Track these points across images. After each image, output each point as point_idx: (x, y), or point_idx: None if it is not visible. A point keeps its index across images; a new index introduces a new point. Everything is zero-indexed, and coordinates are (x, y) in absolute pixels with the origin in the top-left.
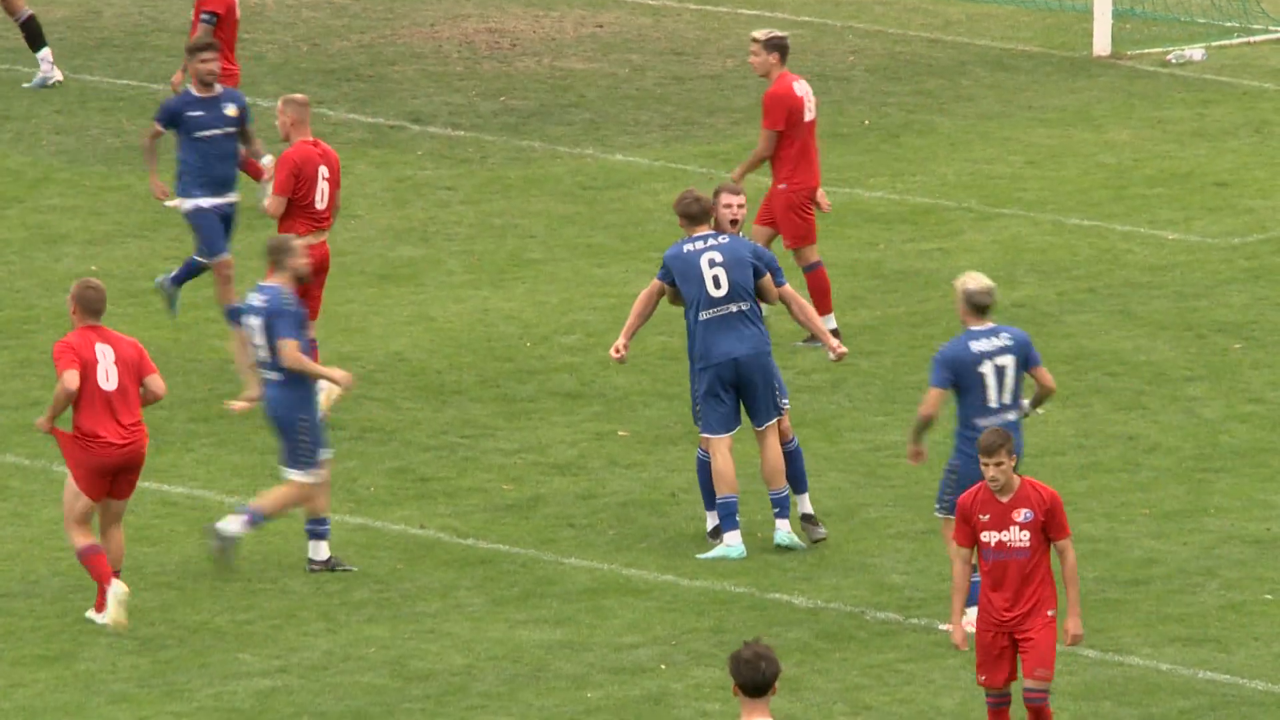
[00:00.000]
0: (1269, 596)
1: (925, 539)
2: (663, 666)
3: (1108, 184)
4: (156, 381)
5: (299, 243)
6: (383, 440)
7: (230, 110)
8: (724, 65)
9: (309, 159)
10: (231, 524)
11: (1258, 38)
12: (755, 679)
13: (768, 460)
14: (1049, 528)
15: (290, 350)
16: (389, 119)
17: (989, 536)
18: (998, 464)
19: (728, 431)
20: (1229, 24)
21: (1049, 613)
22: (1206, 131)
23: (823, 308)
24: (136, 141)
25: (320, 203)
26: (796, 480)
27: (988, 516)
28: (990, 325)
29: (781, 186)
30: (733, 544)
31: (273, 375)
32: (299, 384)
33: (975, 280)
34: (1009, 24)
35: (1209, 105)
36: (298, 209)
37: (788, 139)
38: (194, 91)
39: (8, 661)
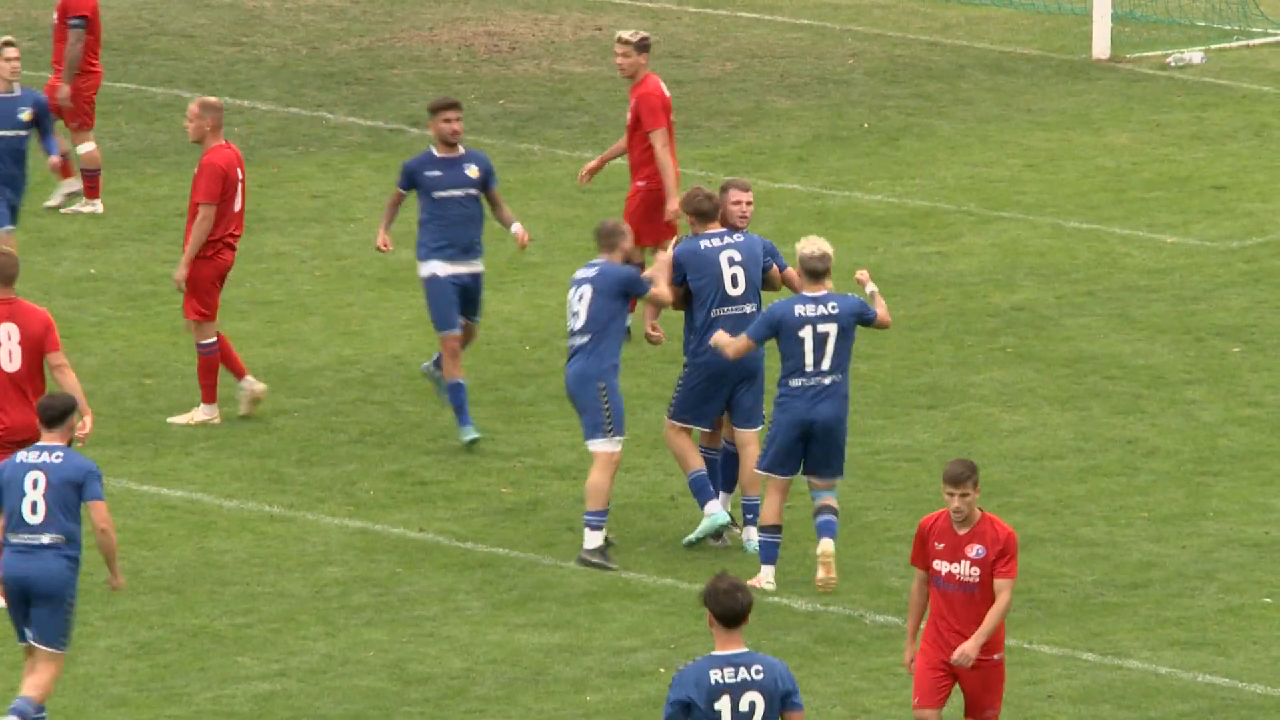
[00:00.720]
0: (1268, 600)
1: None
2: (662, 670)
3: (1107, 187)
4: (56, 359)
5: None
6: (382, 443)
7: (471, 171)
8: (723, 68)
9: (231, 163)
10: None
11: (1257, 41)
12: (733, 608)
13: (747, 468)
14: (996, 565)
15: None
16: (388, 122)
17: (940, 565)
18: (963, 495)
19: (698, 424)
20: (1228, 27)
21: (995, 655)
22: (1205, 135)
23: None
24: (134, 145)
25: (237, 205)
26: (730, 481)
27: (942, 545)
28: (823, 293)
29: (641, 184)
30: (713, 512)
31: (583, 340)
32: (604, 355)
33: (810, 245)
34: (1008, 27)
35: (1208, 108)
36: (218, 213)
37: (649, 139)
38: (434, 151)
39: (6, 665)
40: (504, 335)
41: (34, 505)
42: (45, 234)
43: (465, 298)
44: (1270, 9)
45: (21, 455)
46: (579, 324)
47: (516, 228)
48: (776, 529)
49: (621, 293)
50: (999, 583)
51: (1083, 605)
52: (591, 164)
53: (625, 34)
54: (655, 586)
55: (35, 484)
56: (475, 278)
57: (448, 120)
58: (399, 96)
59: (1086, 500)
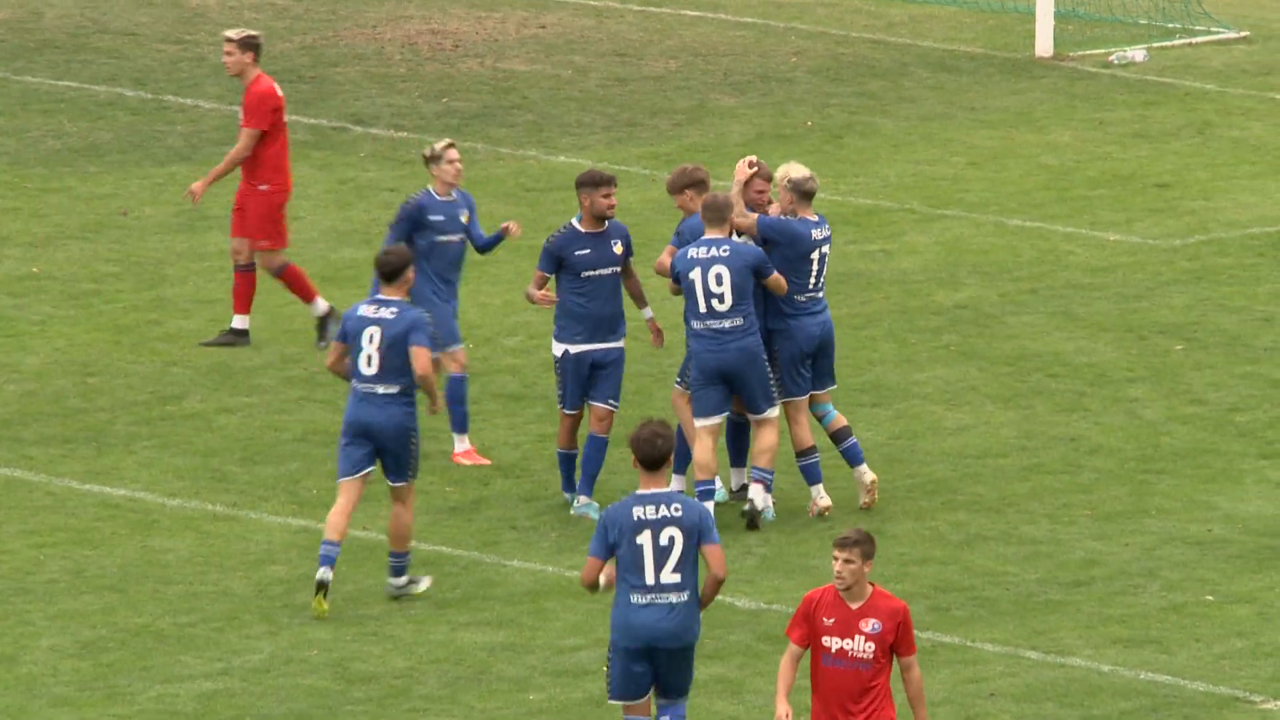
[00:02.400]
0: (1210, 598)
1: None
2: (604, 668)
3: (1050, 185)
4: None
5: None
6: (326, 442)
7: (618, 248)
8: (667, 67)
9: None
10: (758, 496)
11: (1199, 39)
12: (652, 454)
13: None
14: (898, 643)
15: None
16: (331, 121)
17: (831, 642)
18: (846, 560)
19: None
20: (1171, 25)
21: None
22: (1148, 133)
23: (307, 296)
24: (77, 143)
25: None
26: (740, 454)
27: (832, 620)
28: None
29: (263, 188)
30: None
31: (737, 321)
32: (758, 330)
33: (799, 168)
34: (951, 25)
35: (1151, 107)
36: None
37: (268, 139)
38: (579, 227)
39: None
40: None
41: (369, 359)
42: None
43: (599, 374)
44: (1213, 7)
45: (362, 309)
46: (726, 305)
47: (648, 313)
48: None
49: (755, 270)
50: (905, 660)
51: (1025, 603)
52: (198, 184)
53: (231, 33)
54: None
55: (371, 339)
56: (610, 353)
57: (606, 196)
58: (342, 95)
59: (1029, 498)
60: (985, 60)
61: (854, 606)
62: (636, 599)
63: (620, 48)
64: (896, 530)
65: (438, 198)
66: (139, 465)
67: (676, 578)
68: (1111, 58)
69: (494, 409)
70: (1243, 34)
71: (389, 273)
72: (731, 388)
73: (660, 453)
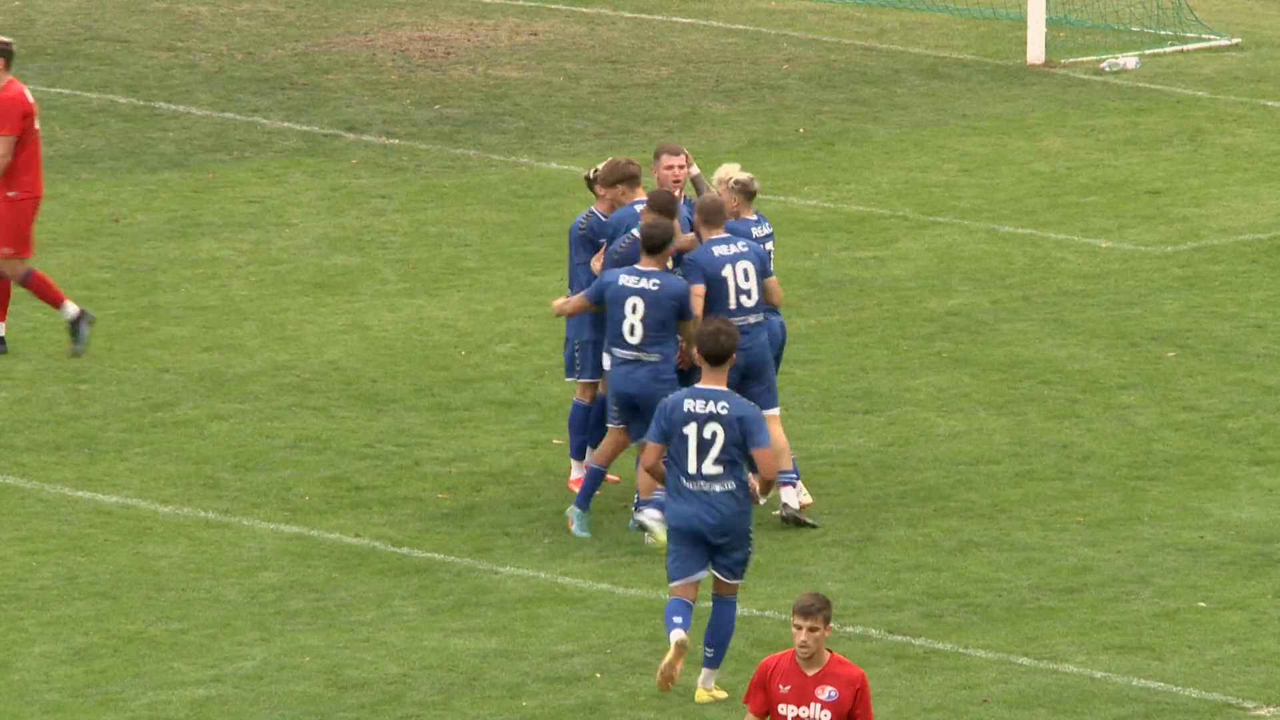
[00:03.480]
0: (1203, 604)
1: (860, 547)
2: (598, 675)
3: (1042, 192)
4: None
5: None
6: (318, 449)
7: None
8: (659, 74)
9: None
10: (790, 498)
11: (1191, 46)
12: (715, 349)
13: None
14: (855, 712)
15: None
16: (323, 128)
17: (786, 710)
18: (810, 629)
19: None
20: (1163, 32)
21: None
22: (1140, 140)
23: (56, 301)
24: (69, 150)
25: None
26: None
27: (788, 688)
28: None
29: (11, 195)
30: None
31: (758, 318)
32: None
33: (736, 170)
34: (943, 32)
35: (1143, 114)
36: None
37: (18, 146)
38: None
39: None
40: (440, 340)
41: (632, 328)
42: None
43: None
44: (1204, 14)
45: (622, 278)
46: (751, 302)
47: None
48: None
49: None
50: None
51: (1018, 609)
52: None
53: None
54: (591, 592)
55: (634, 308)
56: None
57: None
58: (334, 101)
59: (1022, 505)
60: (977, 67)
61: (810, 673)
62: (684, 485)
63: (612, 55)
64: (889, 537)
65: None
66: (131, 472)
67: (718, 470)
68: (1103, 65)
69: (486, 415)
70: (1234, 41)
71: (655, 245)
72: (744, 383)
73: (724, 349)
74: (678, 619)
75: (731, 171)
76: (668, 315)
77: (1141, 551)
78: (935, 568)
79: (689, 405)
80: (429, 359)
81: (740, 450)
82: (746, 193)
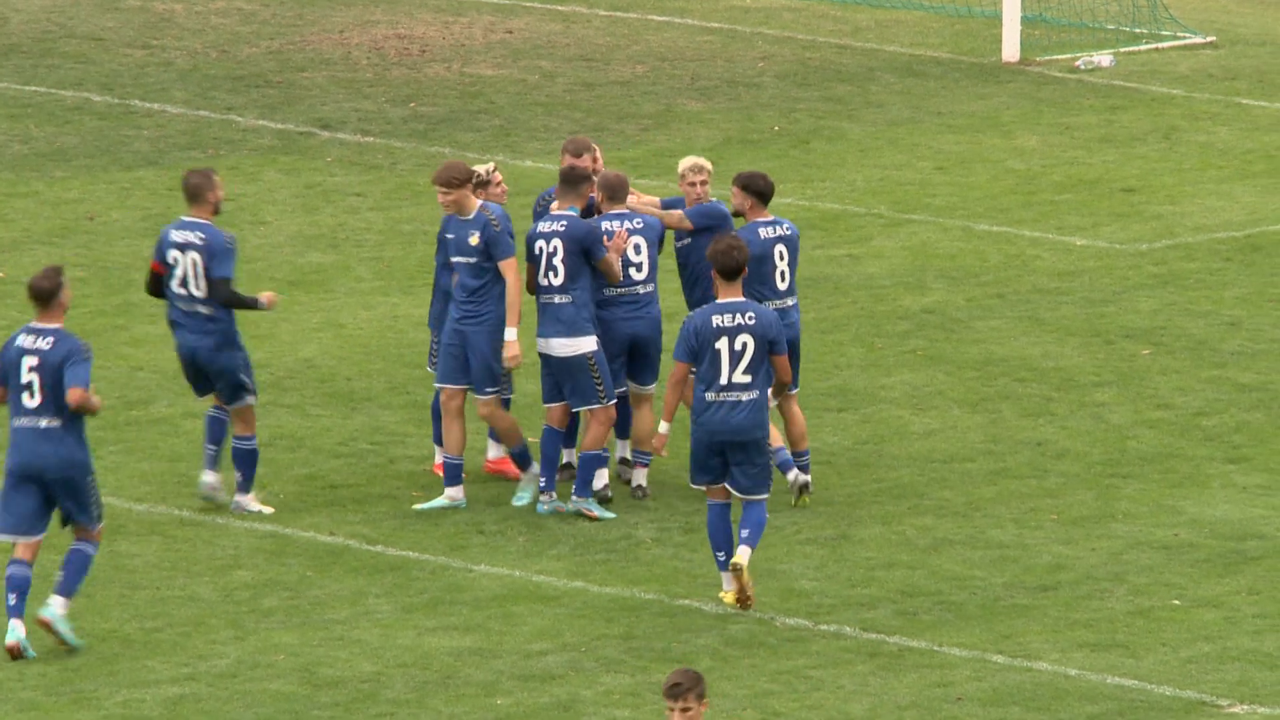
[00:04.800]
0: (1176, 602)
1: (834, 545)
2: (572, 673)
3: (1016, 190)
4: None
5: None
6: (292, 447)
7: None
8: (633, 71)
9: None
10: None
11: (1166, 44)
12: (729, 264)
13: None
14: None
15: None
16: (298, 125)
17: None
18: (684, 709)
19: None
20: (1137, 30)
21: None
22: (1115, 138)
23: None
24: (44, 148)
25: None
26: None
27: None
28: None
29: None
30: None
31: (651, 288)
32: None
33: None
34: (918, 30)
35: (1117, 111)
36: None
37: None
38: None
39: None
40: (414, 339)
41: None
42: None
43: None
44: (1179, 12)
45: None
46: (643, 274)
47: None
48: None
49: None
50: None
51: (992, 607)
52: None
53: None
54: (566, 590)
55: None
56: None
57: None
58: (309, 99)
59: (996, 502)
60: (952, 65)
61: None
62: (710, 396)
63: (587, 53)
64: (863, 535)
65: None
66: (105, 470)
67: (747, 378)
68: (1078, 63)
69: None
70: (1209, 39)
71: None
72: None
73: (737, 263)
74: (720, 555)
75: (688, 163)
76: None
77: (1115, 549)
78: (910, 565)
79: (717, 321)
80: (403, 357)
81: (767, 356)
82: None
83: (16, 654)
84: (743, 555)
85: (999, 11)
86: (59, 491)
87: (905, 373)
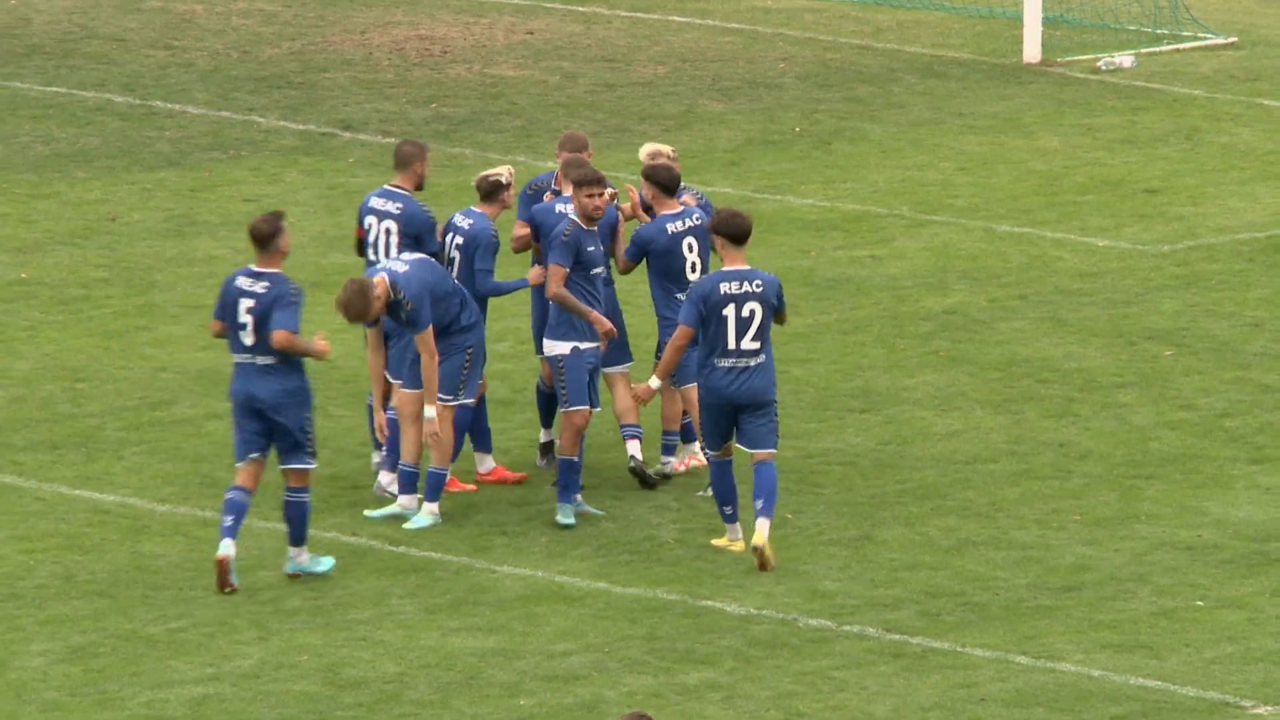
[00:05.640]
0: (1200, 603)
1: (858, 546)
2: (595, 674)
3: (1038, 191)
4: None
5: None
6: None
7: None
8: (655, 72)
9: None
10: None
11: (1187, 45)
12: (736, 231)
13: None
14: None
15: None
16: (320, 126)
17: None
18: None
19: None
20: (1159, 31)
21: None
22: (1137, 139)
23: None
24: (65, 149)
25: None
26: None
27: None
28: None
29: None
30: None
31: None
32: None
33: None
34: (939, 31)
35: (1139, 112)
36: None
37: None
38: (581, 224)
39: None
40: None
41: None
42: None
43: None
44: (1200, 13)
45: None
46: (603, 269)
47: None
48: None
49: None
50: None
51: (1016, 608)
52: None
53: None
54: (589, 590)
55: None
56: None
57: (590, 196)
58: (331, 100)
59: (1019, 503)
60: (974, 66)
61: None
62: (719, 362)
63: (609, 53)
64: (886, 535)
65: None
66: (129, 471)
67: (755, 345)
68: (1100, 63)
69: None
70: (1230, 40)
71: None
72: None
73: (742, 229)
74: (728, 509)
75: (650, 149)
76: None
77: (1139, 550)
78: (933, 566)
79: (725, 288)
80: None
81: (772, 322)
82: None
83: (225, 567)
84: (762, 531)
85: (1020, 12)
86: (275, 425)
87: (928, 374)
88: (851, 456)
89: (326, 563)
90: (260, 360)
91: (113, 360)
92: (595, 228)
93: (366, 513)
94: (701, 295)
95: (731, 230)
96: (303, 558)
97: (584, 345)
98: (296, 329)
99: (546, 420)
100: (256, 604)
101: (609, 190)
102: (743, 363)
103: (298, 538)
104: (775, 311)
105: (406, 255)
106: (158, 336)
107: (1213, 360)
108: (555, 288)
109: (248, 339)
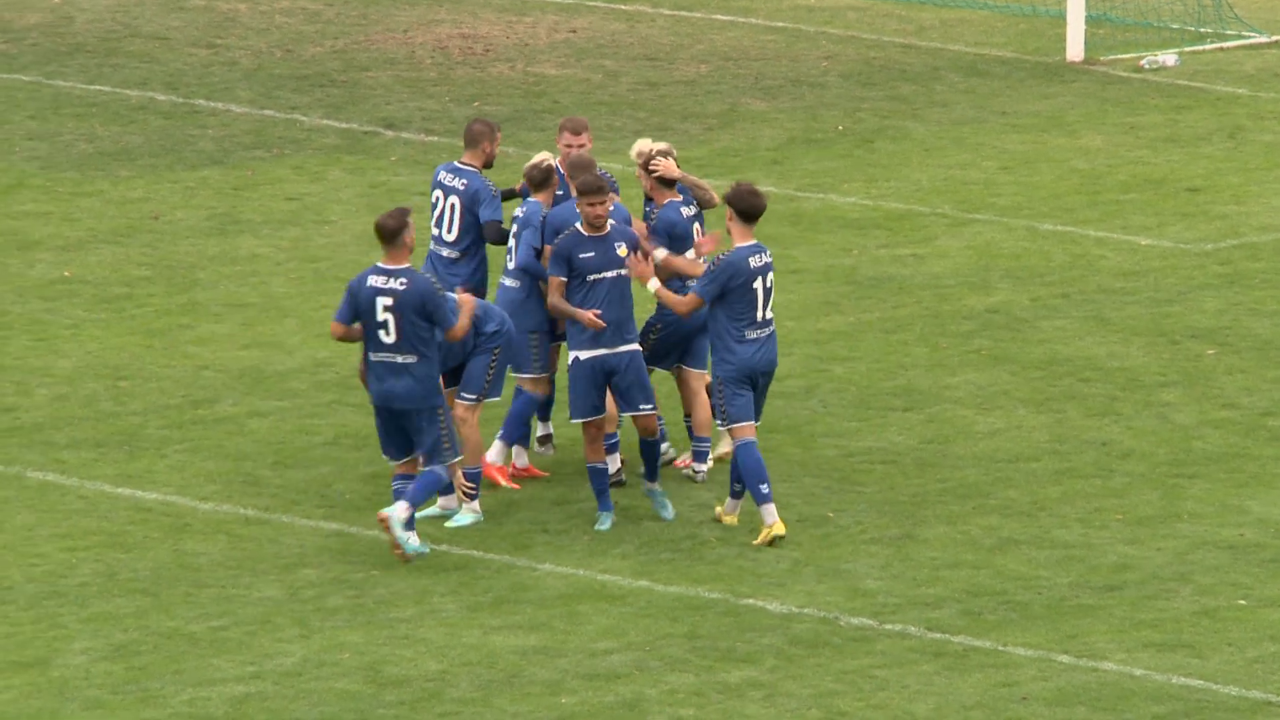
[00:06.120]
0: (1242, 602)
1: (899, 545)
2: (637, 672)
3: (1081, 189)
4: None
5: None
6: (357, 446)
7: (621, 250)
8: (698, 71)
9: None
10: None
11: (1231, 43)
12: (750, 208)
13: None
14: None
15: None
16: (362, 125)
17: None
18: None
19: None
20: (1202, 30)
21: None
22: (1180, 137)
23: None
24: (109, 147)
25: None
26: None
27: None
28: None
29: None
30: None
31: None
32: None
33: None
34: (982, 29)
35: (1182, 111)
36: None
37: None
38: (582, 230)
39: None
40: None
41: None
42: (19, 237)
43: (622, 382)
44: (1244, 11)
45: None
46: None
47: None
48: None
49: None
50: None
51: (1058, 607)
52: None
53: None
54: (630, 589)
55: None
56: (621, 358)
57: (591, 205)
58: (374, 99)
59: (1061, 502)
60: (1016, 64)
61: None
62: (749, 334)
63: (651, 52)
64: (928, 534)
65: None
66: (171, 469)
67: (771, 314)
68: (1143, 62)
69: None
70: (1274, 38)
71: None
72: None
73: (757, 208)
74: (764, 487)
75: (644, 147)
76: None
77: (1181, 549)
78: (975, 565)
79: (753, 262)
80: None
81: None
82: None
83: (385, 524)
84: (736, 508)
85: (1063, 11)
86: (409, 425)
87: (970, 372)
88: (893, 455)
89: (420, 546)
90: (401, 359)
91: (155, 359)
92: (601, 234)
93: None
94: (733, 270)
95: (745, 206)
96: (402, 513)
97: (584, 354)
98: (454, 321)
99: (544, 414)
100: (298, 602)
101: (611, 197)
102: (766, 332)
103: (414, 496)
104: None
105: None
106: (200, 335)
107: (1255, 359)
108: (553, 299)
109: (388, 337)
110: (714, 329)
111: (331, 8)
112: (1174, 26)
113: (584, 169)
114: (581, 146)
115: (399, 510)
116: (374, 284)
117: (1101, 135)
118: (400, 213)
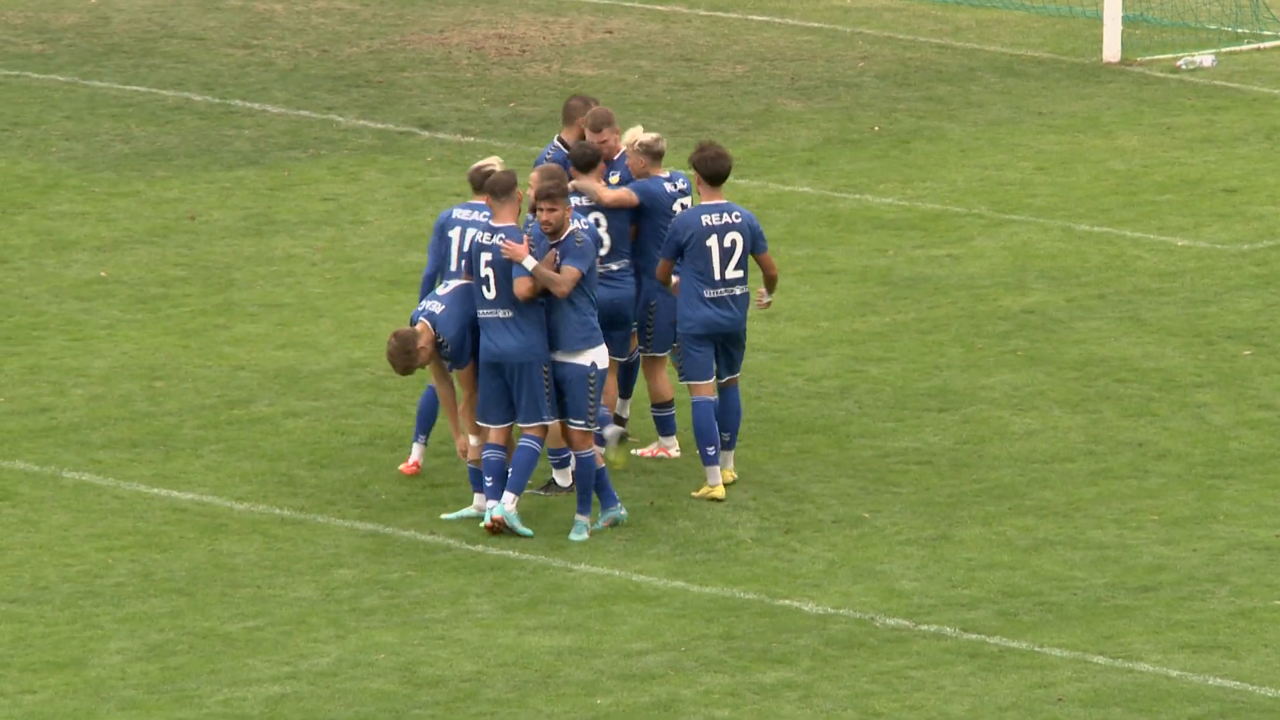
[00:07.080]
0: (1279, 603)
1: (935, 545)
2: (672, 673)
3: (1117, 190)
4: None
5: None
6: (393, 446)
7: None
8: (734, 71)
9: None
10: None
11: (1268, 44)
12: (715, 171)
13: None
14: None
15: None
16: (398, 125)
17: None
18: None
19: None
20: (1239, 30)
21: None
22: (1216, 138)
23: None
24: (145, 148)
25: None
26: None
27: None
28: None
29: None
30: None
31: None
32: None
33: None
34: (1019, 30)
35: (1219, 111)
36: None
37: None
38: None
39: (17, 668)
40: None
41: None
42: (56, 237)
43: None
44: None
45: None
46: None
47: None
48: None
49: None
50: None
51: (1094, 608)
52: None
53: None
54: (666, 589)
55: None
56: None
57: (540, 209)
58: (410, 99)
59: (1097, 503)
60: (1053, 65)
61: None
62: (708, 293)
63: (687, 52)
64: (964, 535)
65: None
66: (206, 469)
67: (739, 274)
68: (1179, 63)
69: None
70: None
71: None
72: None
73: (722, 170)
74: (710, 449)
75: (637, 134)
76: None
77: (1217, 550)
78: (1010, 566)
79: (706, 220)
80: None
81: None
82: (651, 153)
83: (496, 529)
84: (729, 465)
85: (1100, 11)
86: (513, 379)
87: (1006, 373)
88: (929, 456)
89: (522, 528)
90: (502, 314)
91: (191, 359)
92: (558, 239)
93: (443, 515)
94: (683, 225)
95: (706, 171)
96: (510, 505)
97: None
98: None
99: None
100: (333, 602)
101: (562, 206)
102: (729, 291)
103: (515, 484)
104: (754, 245)
105: (443, 290)
106: (236, 335)
107: None
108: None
109: (489, 293)
110: (682, 288)
111: (368, 8)
112: (1211, 27)
113: (547, 176)
114: (604, 143)
115: (507, 504)
116: (479, 239)
117: (1138, 136)
118: (510, 172)
